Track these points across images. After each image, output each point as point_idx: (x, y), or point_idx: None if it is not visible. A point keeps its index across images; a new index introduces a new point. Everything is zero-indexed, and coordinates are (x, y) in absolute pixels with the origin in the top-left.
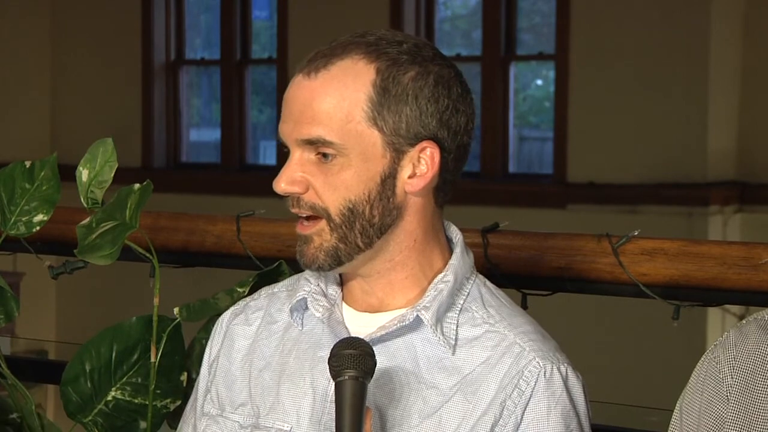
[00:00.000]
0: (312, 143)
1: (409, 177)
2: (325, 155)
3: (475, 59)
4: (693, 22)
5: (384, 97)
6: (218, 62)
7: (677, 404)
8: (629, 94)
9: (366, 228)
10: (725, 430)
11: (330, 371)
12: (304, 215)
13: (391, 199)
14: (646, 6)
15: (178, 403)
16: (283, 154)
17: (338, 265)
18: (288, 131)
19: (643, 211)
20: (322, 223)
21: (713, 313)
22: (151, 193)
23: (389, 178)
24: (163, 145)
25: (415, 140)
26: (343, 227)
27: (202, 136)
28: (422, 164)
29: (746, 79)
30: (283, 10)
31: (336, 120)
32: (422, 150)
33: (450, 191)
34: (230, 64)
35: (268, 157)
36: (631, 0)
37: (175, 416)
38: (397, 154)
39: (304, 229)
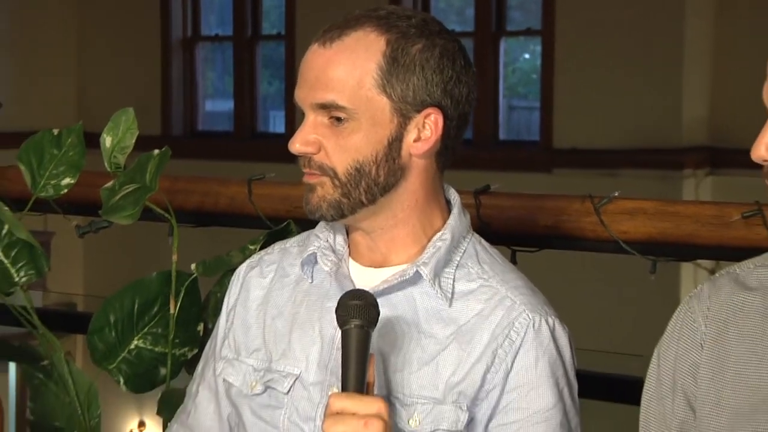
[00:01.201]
0: (325, 107)
1: (414, 140)
2: (337, 119)
3: (468, 35)
4: None
5: (393, 67)
6: (231, 38)
7: (655, 351)
8: (609, 66)
9: (371, 186)
10: (699, 374)
11: (337, 320)
12: (314, 173)
13: (396, 161)
14: None
15: (195, 351)
16: (292, 122)
17: (341, 217)
18: (303, 96)
19: (622, 174)
20: (327, 180)
21: (686, 268)
22: (169, 159)
23: (396, 141)
24: (181, 114)
25: (420, 107)
26: (348, 185)
27: (216, 106)
28: (426, 129)
29: (718, 50)
30: None
31: (348, 86)
32: (427, 116)
33: (451, 156)
34: (242, 40)
35: (277, 126)
36: None
37: (193, 364)
38: (404, 120)
39: (309, 177)
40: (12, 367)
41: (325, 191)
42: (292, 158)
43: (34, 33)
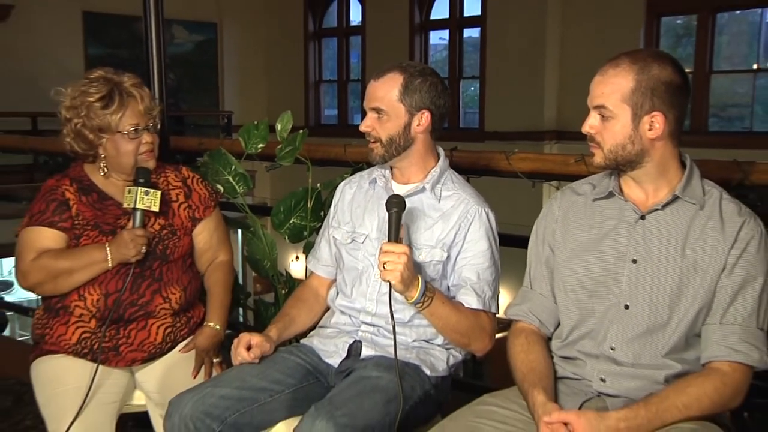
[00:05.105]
0: (374, 109)
1: (417, 125)
2: (379, 115)
3: (446, 78)
4: (534, 50)
5: (406, 90)
6: (336, 81)
7: (534, 226)
8: (512, 92)
9: (398, 147)
10: (555, 235)
11: (386, 208)
12: (371, 140)
13: (409, 135)
14: (512, 48)
15: (320, 224)
16: (365, 117)
17: (385, 161)
18: (365, 104)
19: (518, 143)
20: (378, 144)
21: (546, 186)
22: (307, 135)
23: (407, 126)
24: (314, 115)
25: (419, 109)
26: (387, 146)
27: (330, 112)
28: (423, 120)
29: (563, 77)
30: (363, 58)
31: (385, 99)
32: (422, 114)
33: (438, 133)
34: (342, 82)
35: (358, 121)
36: (509, 48)
37: (319, 230)
38: (411, 115)
39: (371, 145)
40: (239, 231)
41: (377, 151)
42: (362, 135)
43: (247, 70)
